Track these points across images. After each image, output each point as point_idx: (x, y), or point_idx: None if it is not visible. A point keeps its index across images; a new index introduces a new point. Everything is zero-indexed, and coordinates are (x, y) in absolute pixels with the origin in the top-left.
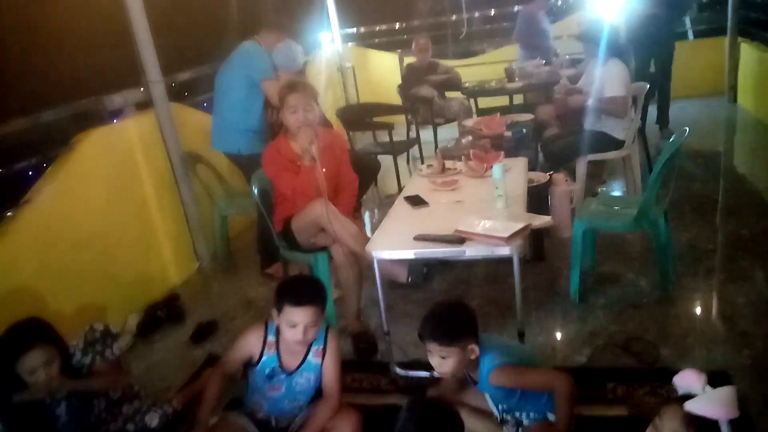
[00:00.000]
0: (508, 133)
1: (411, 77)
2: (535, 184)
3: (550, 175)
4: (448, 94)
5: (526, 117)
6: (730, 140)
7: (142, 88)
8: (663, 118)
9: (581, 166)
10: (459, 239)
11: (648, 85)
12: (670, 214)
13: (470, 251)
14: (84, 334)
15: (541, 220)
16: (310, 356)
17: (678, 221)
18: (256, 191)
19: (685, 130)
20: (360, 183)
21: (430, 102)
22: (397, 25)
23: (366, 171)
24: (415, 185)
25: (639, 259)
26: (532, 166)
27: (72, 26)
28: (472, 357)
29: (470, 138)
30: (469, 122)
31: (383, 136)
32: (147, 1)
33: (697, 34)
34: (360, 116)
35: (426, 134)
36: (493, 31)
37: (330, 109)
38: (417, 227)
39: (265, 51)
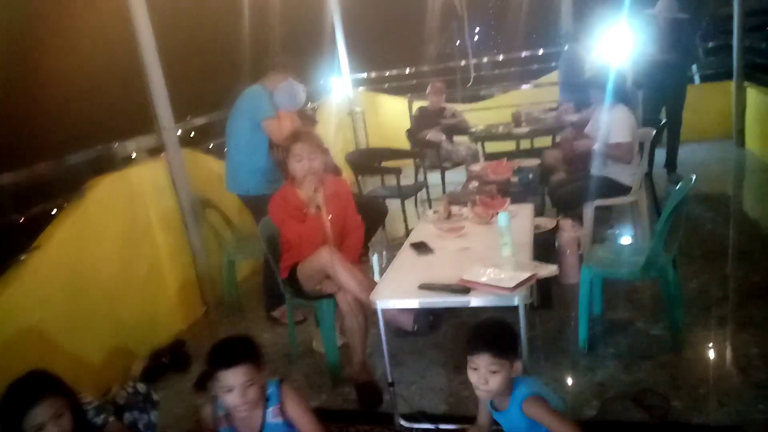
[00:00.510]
0: (515, 179)
1: (421, 121)
2: (541, 230)
3: (557, 221)
4: (456, 138)
5: (533, 162)
6: (738, 184)
7: (156, 134)
8: (671, 162)
9: (588, 212)
10: (464, 288)
11: (654, 131)
12: (679, 259)
13: (475, 301)
14: (125, 394)
15: (547, 270)
16: (268, 419)
17: (687, 267)
18: (263, 237)
19: (692, 177)
20: (367, 227)
21: (438, 146)
22: (408, 70)
23: (374, 215)
24: (421, 231)
25: (649, 306)
26: (538, 212)
27: (87, 75)
28: (514, 375)
29: (476, 183)
30: (476, 167)
31: (391, 180)
32: (161, 49)
33: (704, 78)
34: (368, 160)
35: (434, 177)
36: (502, 76)
37: (340, 153)
38: (422, 275)
39: (269, 92)
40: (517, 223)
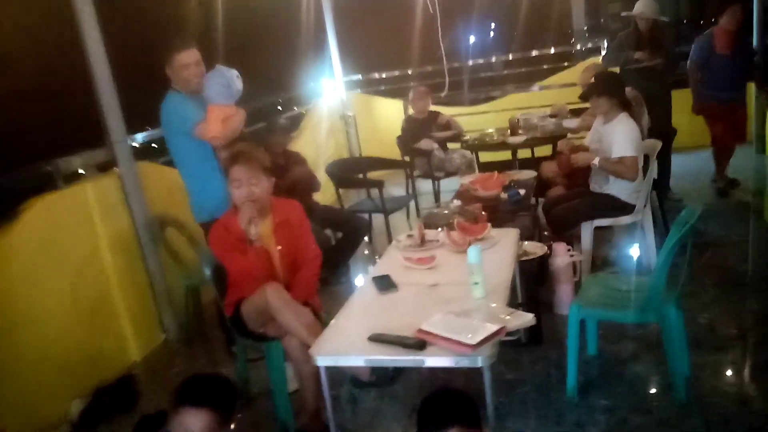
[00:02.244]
0: (504, 195)
1: (410, 129)
2: (530, 257)
3: (549, 245)
4: (451, 145)
5: (529, 175)
6: (759, 198)
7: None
8: (662, 184)
9: (587, 234)
10: (419, 343)
11: (661, 144)
12: (686, 289)
13: (431, 361)
14: None
15: (520, 320)
16: None
17: (695, 299)
18: (208, 269)
19: (697, 208)
20: (347, 245)
21: (429, 155)
22: (410, 71)
23: (353, 232)
24: (389, 260)
25: (653, 344)
26: (530, 233)
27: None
28: None
29: (458, 202)
30: (467, 179)
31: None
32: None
33: None
34: (352, 171)
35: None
36: (511, 76)
37: (331, 159)
38: (377, 321)
39: (180, 94)
40: (496, 254)
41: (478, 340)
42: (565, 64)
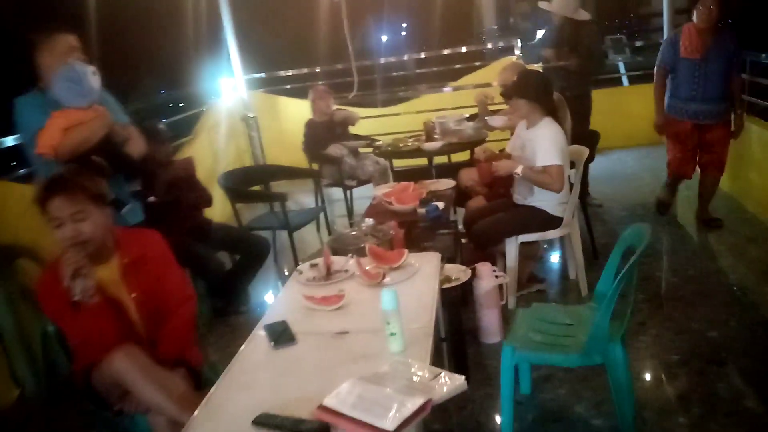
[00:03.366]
0: (422, 210)
1: (313, 134)
2: (453, 284)
3: (473, 268)
4: (363, 150)
5: (447, 185)
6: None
7: None
8: (582, 190)
9: (512, 250)
10: (321, 428)
11: (588, 151)
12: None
13: None
14: None
15: (449, 387)
16: None
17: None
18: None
19: (644, 228)
20: (245, 268)
21: (339, 162)
22: (318, 69)
23: (252, 254)
24: (287, 298)
25: (592, 384)
26: (450, 255)
27: None
28: None
29: (371, 221)
30: (381, 189)
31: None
32: None
33: (632, 80)
34: (249, 183)
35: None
36: (419, 77)
37: (231, 165)
38: (268, 391)
39: (38, 95)
40: (415, 288)
41: (396, 425)
42: (477, 63)
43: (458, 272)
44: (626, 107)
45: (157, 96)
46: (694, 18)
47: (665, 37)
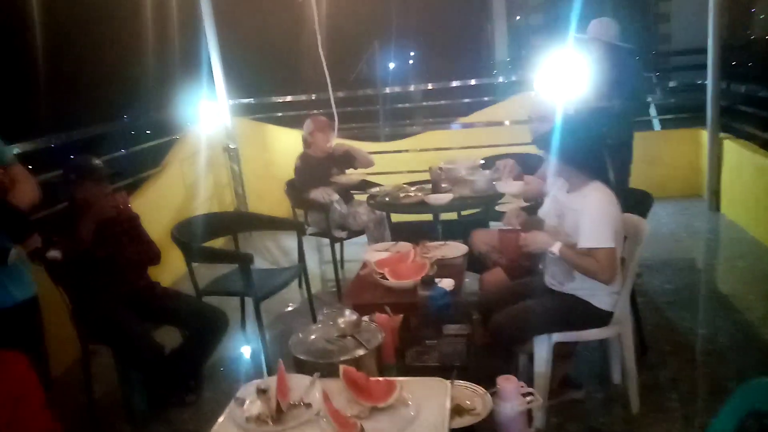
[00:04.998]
0: (424, 293)
1: (307, 172)
2: (468, 422)
3: (494, 392)
4: (359, 196)
5: (457, 250)
6: (714, 262)
7: None
8: None
9: (542, 352)
10: None
11: (646, 224)
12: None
13: None
14: None
15: None
16: None
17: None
18: None
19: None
20: (194, 349)
21: (326, 209)
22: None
23: (204, 331)
24: None
25: None
26: (463, 362)
27: None
28: None
29: (349, 315)
30: (374, 253)
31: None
32: None
33: (665, 124)
34: (210, 235)
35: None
36: (425, 110)
37: (208, 201)
38: None
39: None
40: None
41: None
42: (486, 99)
43: (473, 397)
44: (658, 154)
45: (118, 122)
46: None
47: (709, 76)
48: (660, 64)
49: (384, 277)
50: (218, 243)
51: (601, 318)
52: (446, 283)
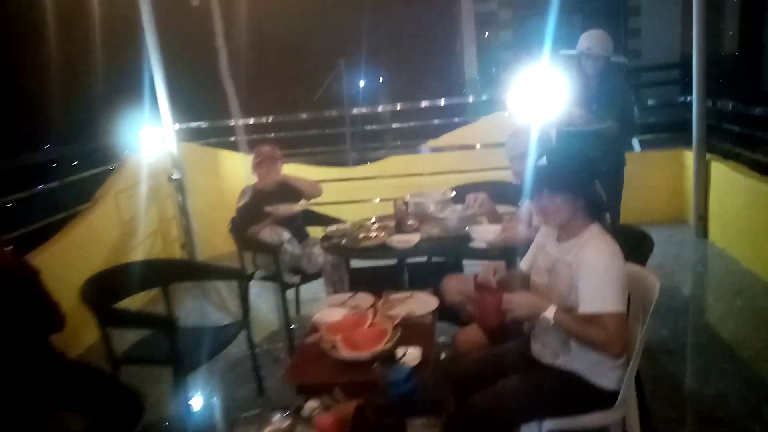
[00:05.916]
0: (382, 373)
1: (253, 208)
2: None
3: None
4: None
5: (426, 305)
6: (710, 300)
7: None
8: None
9: None
10: None
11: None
12: None
13: None
14: None
15: None
16: None
17: None
18: None
19: None
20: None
21: (275, 251)
22: (270, 119)
23: (107, 421)
24: None
25: None
26: None
27: None
28: None
29: (317, 407)
30: (325, 313)
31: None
32: None
33: (644, 144)
34: (132, 288)
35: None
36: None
37: (151, 237)
38: None
39: None
40: None
41: None
42: (456, 120)
43: None
44: (639, 177)
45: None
46: None
47: (695, 93)
48: (632, 80)
49: (334, 347)
50: (149, 296)
51: (605, 399)
52: (412, 356)
